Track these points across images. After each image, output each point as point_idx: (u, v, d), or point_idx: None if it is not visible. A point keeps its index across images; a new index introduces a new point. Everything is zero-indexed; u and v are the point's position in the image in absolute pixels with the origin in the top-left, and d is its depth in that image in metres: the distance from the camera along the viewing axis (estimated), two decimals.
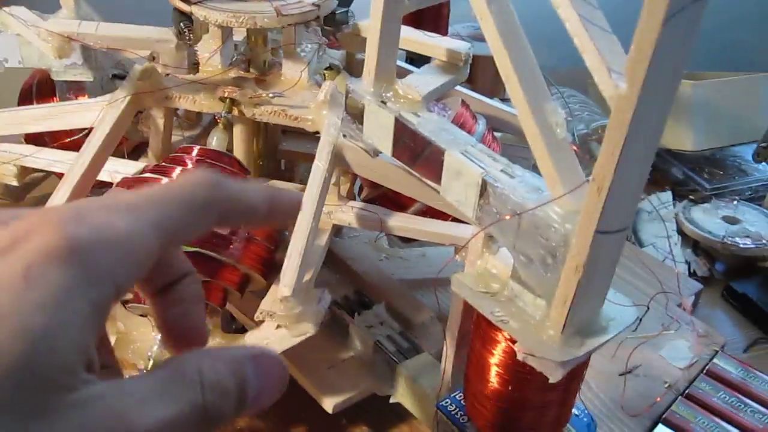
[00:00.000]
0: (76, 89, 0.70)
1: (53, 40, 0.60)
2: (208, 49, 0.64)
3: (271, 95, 0.62)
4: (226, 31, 0.64)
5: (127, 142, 0.73)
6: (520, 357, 0.44)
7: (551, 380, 0.44)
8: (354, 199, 0.67)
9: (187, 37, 0.61)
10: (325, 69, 0.65)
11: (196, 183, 0.31)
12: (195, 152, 0.57)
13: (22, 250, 0.25)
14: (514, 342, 0.46)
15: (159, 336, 0.54)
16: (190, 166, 0.56)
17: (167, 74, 0.64)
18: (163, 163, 0.56)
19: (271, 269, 0.57)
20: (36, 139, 0.71)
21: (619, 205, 0.39)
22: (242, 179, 0.36)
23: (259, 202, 0.34)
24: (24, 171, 0.70)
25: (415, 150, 0.51)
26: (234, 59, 0.66)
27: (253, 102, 0.62)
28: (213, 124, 0.76)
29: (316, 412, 0.61)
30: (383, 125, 0.52)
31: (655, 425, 0.67)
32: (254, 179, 0.62)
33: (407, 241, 0.72)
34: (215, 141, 0.61)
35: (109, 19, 0.70)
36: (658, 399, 0.68)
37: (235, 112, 0.62)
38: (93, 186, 0.61)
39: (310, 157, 0.74)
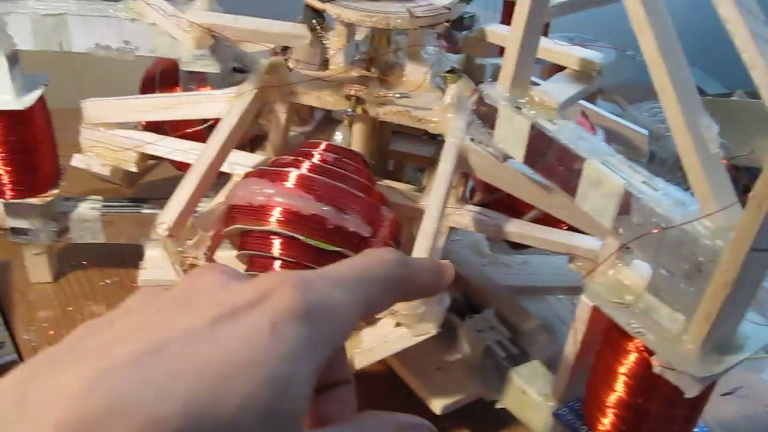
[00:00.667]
0: (199, 80, 0.71)
1: (193, 30, 0.61)
2: (336, 46, 0.64)
3: (397, 95, 0.63)
4: (351, 30, 0.65)
5: (244, 135, 0.74)
6: (656, 370, 0.44)
7: (687, 395, 0.44)
8: (466, 203, 0.67)
9: (320, 34, 0.62)
10: (447, 72, 0.66)
11: (389, 261, 0.35)
12: (323, 147, 0.58)
13: (267, 307, 0.29)
14: (647, 353, 0.46)
15: None
16: (316, 158, 0.57)
17: (294, 69, 0.65)
18: (292, 157, 0.57)
19: None
20: (155, 128, 0.72)
21: None
22: (419, 260, 0.40)
23: (432, 279, 0.38)
24: (142, 158, 0.72)
25: (549, 157, 0.51)
26: (355, 58, 0.67)
27: (378, 101, 0.62)
28: (326, 120, 0.77)
29: (416, 411, 0.61)
30: (517, 131, 0.52)
31: None
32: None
33: (516, 247, 0.72)
34: (340, 138, 0.61)
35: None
36: None
37: (359, 110, 0.63)
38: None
39: (418, 159, 0.75)
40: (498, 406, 0.62)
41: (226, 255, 0.59)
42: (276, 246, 0.54)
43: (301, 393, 0.28)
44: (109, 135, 0.70)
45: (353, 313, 0.32)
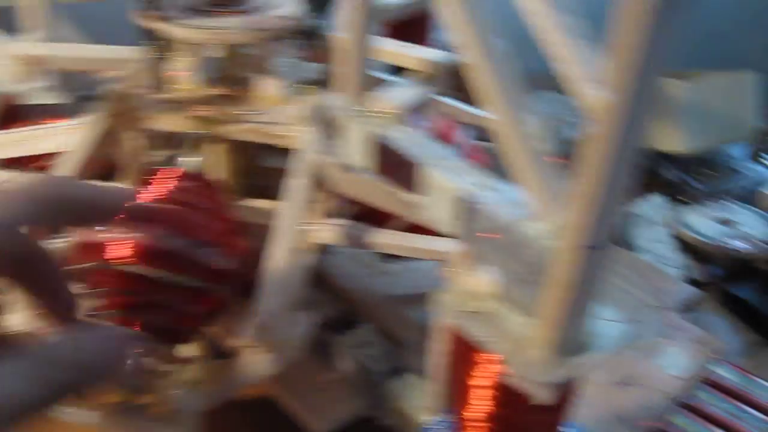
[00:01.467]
0: (50, 112, 0.68)
1: (20, 62, 0.58)
2: (180, 67, 0.62)
3: (246, 112, 0.60)
4: (197, 49, 0.62)
5: (98, 165, 0.72)
6: (505, 379, 0.43)
7: (539, 401, 0.42)
8: (336, 217, 0.65)
9: (157, 56, 0.59)
10: (302, 84, 0.64)
11: (37, 182, 0.36)
12: (169, 173, 0.55)
13: None
14: (498, 363, 0.44)
15: None
16: (164, 187, 0.54)
17: (139, 94, 0.62)
18: (138, 187, 0.55)
19: (250, 292, 0.55)
20: (14, 164, 0.69)
21: (603, 219, 0.37)
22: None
23: (97, 199, 0.39)
24: None
25: (393, 165, 0.49)
26: (208, 77, 0.64)
27: (227, 120, 0.60)
28: (187, 143, 0.74)
29: None
30: (358, 140, 0.50)
31: None
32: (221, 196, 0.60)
33: (394, 256, 0.71)
34: (189, 161, 0.59)
35: (90, 35, 0.69)
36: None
37: (210, 130, 0.60)
38: None
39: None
40: (380, 422, 0.60)
41: None
42: (126, 283, 0.51)
43: None
44: None
45: None
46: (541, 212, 0.41)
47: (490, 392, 0.45)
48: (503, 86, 0.41)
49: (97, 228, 0.51)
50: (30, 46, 0.60)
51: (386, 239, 0.60)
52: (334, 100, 0.52)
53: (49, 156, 0.65)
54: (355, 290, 0.70)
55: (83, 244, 0.52)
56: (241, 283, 0.54)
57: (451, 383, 0.50)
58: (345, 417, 0.60)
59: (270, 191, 0.74)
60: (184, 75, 0.61)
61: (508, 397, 0.45)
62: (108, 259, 0.51)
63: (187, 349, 0.63)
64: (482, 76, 0.41)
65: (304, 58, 0.67)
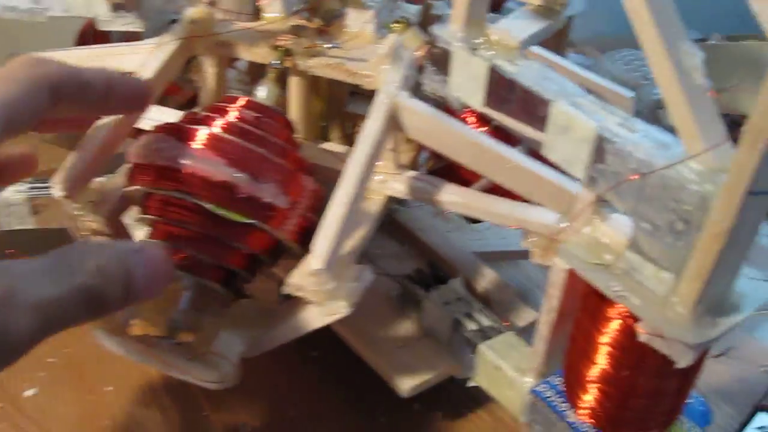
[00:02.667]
0: (131, 38, 0.64)
1: None
2: None
3: (328, 46, 0.56)
4: None
5: (181, 93, 0.68)
6: (643, 338, 0.38)
7: (680, 365, 0.38)
8: (416, 170, 0.59)
9: None
10: (394, 22, 0.59)
11: (18, 63, 0.35)
12: (241, 103, 0.52)
13: None
14: (631, 320, 0.40)
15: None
16: (233, 116, 0.50)
17: (223, 20, 0.58)
18: (206, 113, 0.51)
19: (311, 239, 0.51)
20: None
21: None
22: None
23: (94, 78, 0.38)
24: None
25: (514, 101, 0.45)
26: (296, 6, 0.60)
27: (308, 53, 0.55)
28: (265, 74, 0.70)
29: (385, 395, 0.56)
30: (474, 75, 0.46)
31: (754, 413, 0.61)
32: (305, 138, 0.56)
33: None
34: (264, 93, 0.54)
35: None
36: None
37: (290, 63, 0.56)
38: (132, 135, 0.55)
39: None
40: (470, 384, 0.56)
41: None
42: (177, 212, 0.48)
43: None
44: None
45: None
46: (694, 152, 0.36)
47: (620, 351, 0.41)
48: (657, 7, 0.36)
49: (152, 148, 0.48)
50: None
51: (463, 199, 0.54)
52: (445, 31, 0.47)
53: None
54: (438, 245, 0.66)
55: (137, 166, 0.49)
56: (301, 226, 0.50)
57: (569, 342, 0.46)
58: (434, 378, 0.56)
59: (355, 138, 0.69)
60: (275, 3, 0.57)
61: (639, 358, 0.41)
62: (160, 185, 0.48)
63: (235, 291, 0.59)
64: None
65: None
